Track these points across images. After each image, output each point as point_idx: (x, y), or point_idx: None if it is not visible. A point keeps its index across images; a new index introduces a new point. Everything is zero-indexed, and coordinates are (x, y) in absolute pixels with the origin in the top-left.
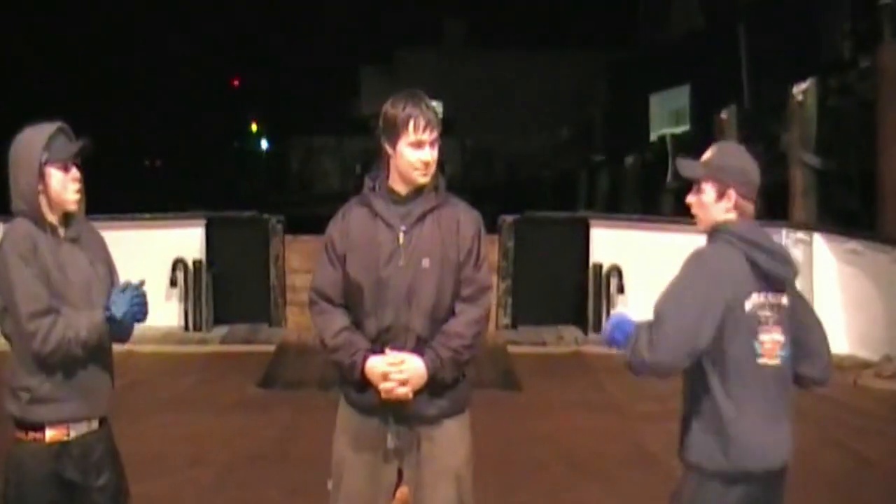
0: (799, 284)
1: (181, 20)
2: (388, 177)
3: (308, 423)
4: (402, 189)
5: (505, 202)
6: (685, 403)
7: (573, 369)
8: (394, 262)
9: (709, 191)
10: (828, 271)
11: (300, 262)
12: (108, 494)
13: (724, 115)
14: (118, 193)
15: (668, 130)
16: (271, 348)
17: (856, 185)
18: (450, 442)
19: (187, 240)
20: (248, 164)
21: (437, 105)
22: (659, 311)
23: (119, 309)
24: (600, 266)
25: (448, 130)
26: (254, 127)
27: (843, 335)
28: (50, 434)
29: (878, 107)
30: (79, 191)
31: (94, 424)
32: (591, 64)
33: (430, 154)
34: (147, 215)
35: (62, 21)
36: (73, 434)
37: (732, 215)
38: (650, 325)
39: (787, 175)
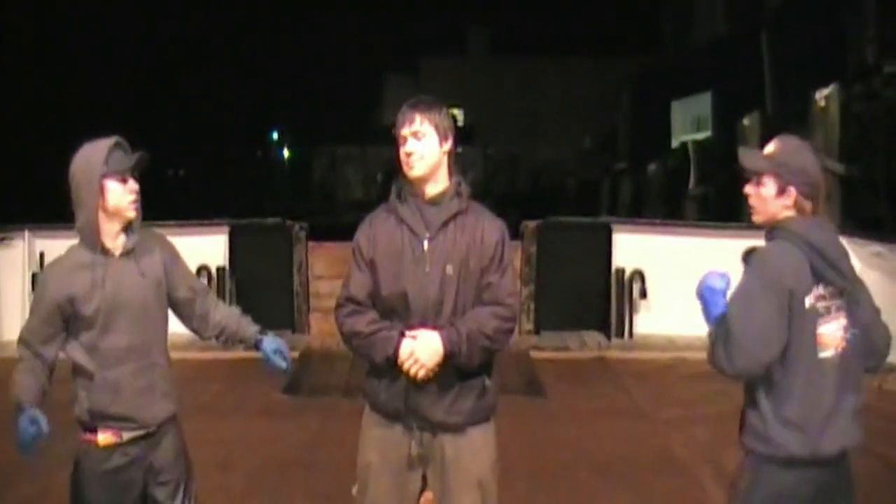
0: None
1: (203, 29)
2: (408, 182)
3: (334, 429)
4: (418, 191)
5: (528, 210)
6: (745, 390)
7: (597, 375)
8: (420, 269)
9: (770, 185)
10: None
11: (324, 269)
12: (167, 492)
13: (746, 121)
14: (141, 202)
15: (690, 137)
16: (295, 355)
17: (880, 189)
18: (474, 450)
19: (211, 247)
20: (271, 172)
21: (457, 113)
22: (730, 318)
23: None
24: (623, 271)
25: (471, 138)
26: (276, 135)
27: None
28: (102, 437)
29: None
30: (136, 202)
31: (149, 430)
32: (613, 71)
33: (412, 146)
34: (171, 222)
35: (76, 32)
36: (125, 437)
37: (791, 212)
38: (726, 332)
39: None
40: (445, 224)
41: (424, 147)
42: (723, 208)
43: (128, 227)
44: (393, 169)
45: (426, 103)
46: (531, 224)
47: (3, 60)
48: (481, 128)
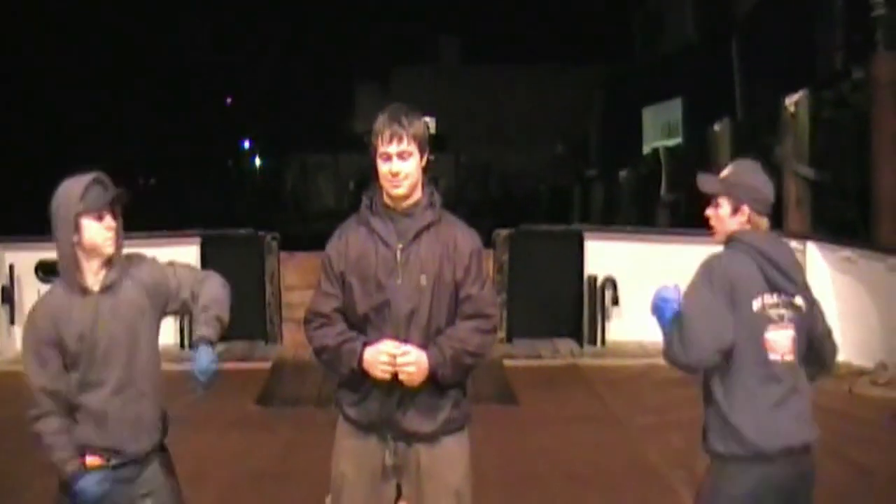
0: None
1: (173, 39)
2: (381, 194)
3: (307, 440)
4: (391, 203)
5: (500, 217)
6: (704, 396)
7: (570, 382)
8: (392, 280)
9: (724, 205)
10: (822, 280)
11: (296, 279)
12: None
13: (717, 127)
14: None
15: (661, 143)
16: (268, 365)
17: (850, 195)
18: (449, 459)
19: (182, 258)
20: (242, 182)
21: (429, 120)
22: (682, 313)
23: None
24: (595, 278)
25: (442, 146)
26: (247, 145)
27: (837, 343)
28: (91, 460)
29: (872, 117)
30: (113, 238)
31: (136, 459)
32: (584, 78)
33: (398, 166)
34: (142, 233)
35: (55, 37)
36: (113, 461)
37: (747, 229)
38: (679, 327)
39: (781, 186)
40: (418, 235)
41: (410, 167)
42: (694, 214)
43: (108, 262)
44: (365, 178)
45: (410, 119)
46: (503, 232)
47: None
48: (453, 136)
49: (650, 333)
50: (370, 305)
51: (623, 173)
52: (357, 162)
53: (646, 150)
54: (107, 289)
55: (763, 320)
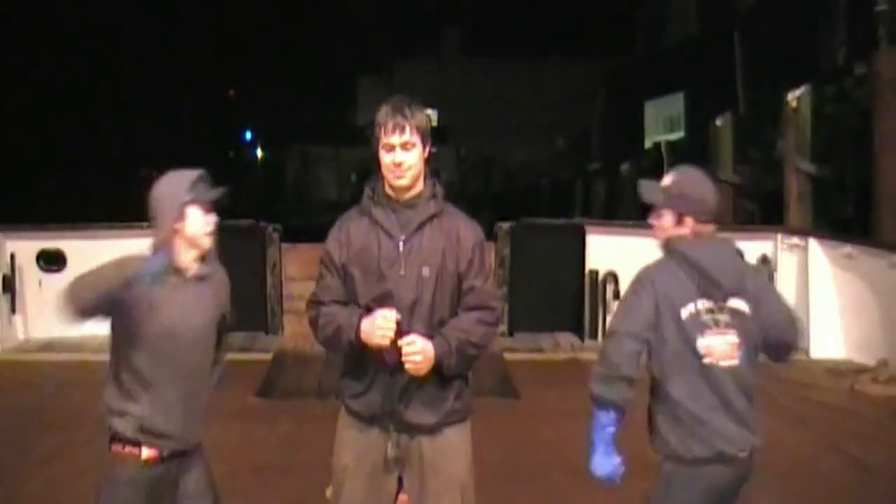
0: (794, 289)
1: (177, 30)
2: (382, 185)
3: (308, 432)
4: (394, 194)
5: (502, 210)
6: (649, 401)
7: (570, 376)
8: (395, 272)
9: (667, 217)
10: (823, 276)
11: (297, 271)
12: None
13: (719, 121)
14: (114, 203)
15: (663, 137)
16: (268, 357)
17: (851, 191)
18: (452, 451)
19: None
20: (244, 173)
21: (431, 113)
22: (609, 330)
23: None
24: (596, 272)
25: (444, 139)
26: (249, 136)
27: (839, 340)
28: (147, 453)
29: (874, 113)
30: (211, 234)
31: (186, 449)
32: (587, 72)
33: (401, 156)
34: (143, 224)
35: (57, 29)
36: (165, 453)
37: (683, 237)
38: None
39: (783, 181)
40: (421, 226)
41: (413, 158)
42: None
43: (202, 258)
44: (367, 170)
45: (413, 110)
46: (505, 225)
47: None
48: (455, 129)
49: None
50: (372, 296)
51: (625, 167)
52: (359, 154)
53: (648, 144)
54: (200, 279)
55: (696, 327)
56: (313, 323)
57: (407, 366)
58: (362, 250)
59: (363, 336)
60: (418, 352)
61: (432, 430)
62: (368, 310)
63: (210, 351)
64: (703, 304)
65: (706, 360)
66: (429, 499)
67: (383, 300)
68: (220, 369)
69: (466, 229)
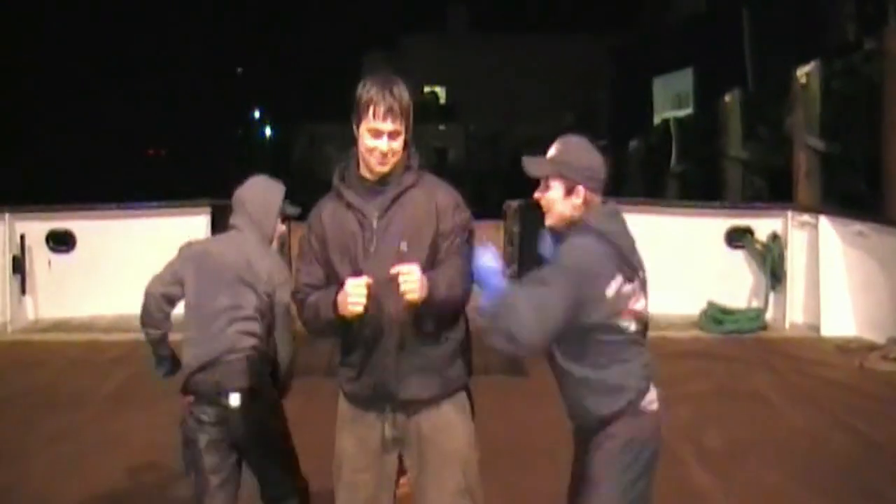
0: (804, 267)
1: (184, 8)
2: (357, 163)
3: (317, 410)
4: (369, 175)
5: (509, 187)
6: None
7: None
8: (372, 249)
9: (557, 187)
10: (833, 254)
11: None
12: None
13: (727, 98)
14: (122, 183)
15: (671, 114)
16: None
17: (861, 167)
18: (450, 426)
19: (192, 228)
20: (251, 151)
21: (438, 90)
22: (521, 299)
23: None
24: None
25: (452, 116)
26: (257, 115)
27: (849, 318)
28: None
29: (884, 89)
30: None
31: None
32: (594, 48)
33: (388, 144)
34: (152, 204)
35: (57, 11)
36: (233, 404)
37: (580, 211)
38: (511, 312)
39: (792, 158)
40: (395, 200)
41: (399, 144)
42: (704, 185)
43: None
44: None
45: (402, 92)
46: (514, 204)
47: None
48: (462, 106)
49: (659, 305)
50: (351, 276)
51: (633, 144)
52: None
53: (656, 120)
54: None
55: (619, 304)
56: (298, 312)
57: (403, 286)
58: (338, 234)
59: (339, 309)
60: (409, 271)
61: (428, 405)
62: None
63: None
64: (622, 278)
65: (633, 329)
66: (428, 476)
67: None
68: None
69: (444, 195)
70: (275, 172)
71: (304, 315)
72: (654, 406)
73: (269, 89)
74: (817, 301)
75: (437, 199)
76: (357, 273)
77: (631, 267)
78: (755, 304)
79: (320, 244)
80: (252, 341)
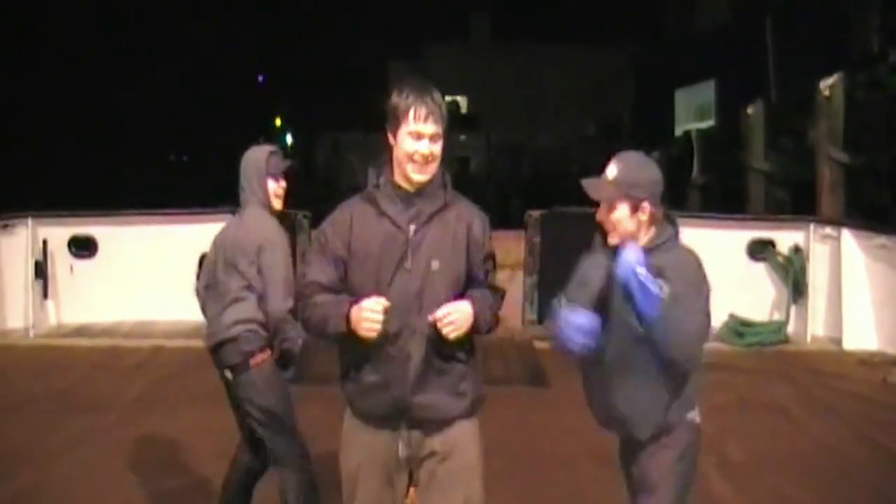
0: (827, 280)
1: (207, 15)
2: (392, 172)
3: (336, 418)
4: (405, 184)
5: (531, 197)
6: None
7: None
8: (402, 265)
9: (622, 208)
10: (856, 267)
11: None
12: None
13: (750, 109)
14: (144, 189)
15: (693, 125)
16: (298, 342)
17: (885, 180)
18: (463, 443)
19: (214, 234)
20: None
21: (460, 100)
22: (673, 319)
23: None
24: None
25: (474, 125)
26: (279, 122)
27: (871, 331)
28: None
29: None
30: (280, 195)
31: None
32: (617, 58)
33: (429, 147)
34: (173, 210)
35: (82, 16)
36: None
37: (646, 226)
38: (681, 334)
39: (815, 170)
40: (431, 217)
41: (439, 149)
42: (726, 197)
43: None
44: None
45: (441, 101)
46: (535, 213)
47: (5, 52)
48: (484, 115)
49: None
50: (377, 288)
51: (654, 155)
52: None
53: (678, 132)
54: None
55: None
56: (301, 307)
57: (446, 329)
58: (368, 241)
59: (353, 324)
60: (453, 311)
61: (444, 424)
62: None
63: None
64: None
65: None
66: (436, 493)
67: (389, 294)
68: None
69: (478, 220)
70: (297, 179)
71: (306, 312)
72: (699, 419)
73: (292, 96)
74: (839, 314)
75: (471, 224)
76: (382, 284)
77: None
78: (777, 316)
79: (343, 245)
80: (239, 326)
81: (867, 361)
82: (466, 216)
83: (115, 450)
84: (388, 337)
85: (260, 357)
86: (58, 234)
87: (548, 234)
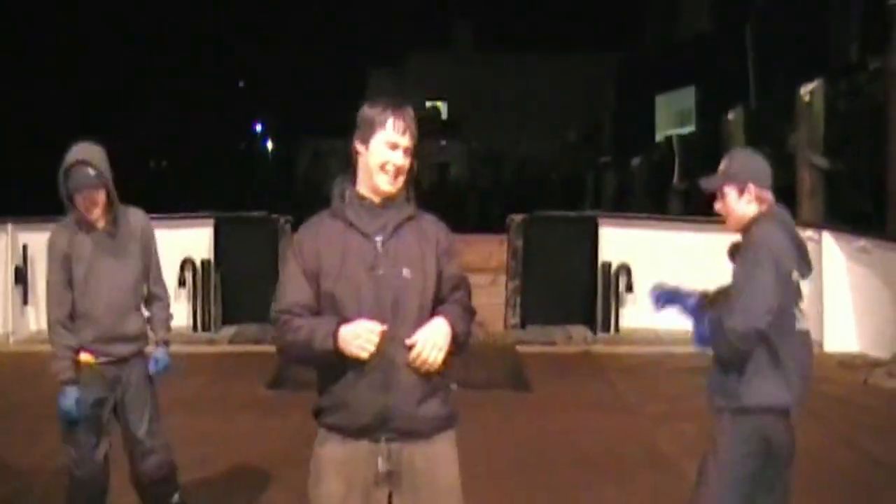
0: (808, 282)
1: (187, 21)
2: (355, 182)
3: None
4: (371, 195)
5: (512, 203)
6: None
7: (583, 369)
8: (374, 273)
9: (730, 192)
10: (837, 270)
11: None
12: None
13: (730, 115)
14: (124, 195)
15: (674, 131)
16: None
17: (864, 186)
18: (444, 458)
19: (196, 240)
20: (254, 165)
21: (442, 106)
22: (742, 288)
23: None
24: (609, 265)
25: (455, 132)
26: (260, 128)
27: (853, 334)
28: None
29: (887, 108)
30: (89, 208)
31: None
32: (598, 65)
33: (403, 159)
34: (155, 216)
35: (61, 22)
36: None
37: (755, 206)
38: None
39: (795, 176)
40: (398, 227)
41: (408, 164)
42: (706, 202)
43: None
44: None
45: (411, 112)
46: (517, 218)
47: None
48: (465, 122)
49: (664, 321)
50: (352, 301)
51: (636, 161)
52: None
53: (658, 137)
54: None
55: (796, 291)
56: (279, 330)
57: (430, 357)
58: (338, 254)
59: (341, 342)
60: (430, 335)
61: (425, 436)
62: (346, 317)
63: None
64: (796, 273)
65: (800, 325)
66: None
67: (364, 305)
68: None
69: (444, 232)
70: (277, 186)
71: (286, 336)
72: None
73: (272, 103)
74: (820, 317)
75: (437, 237)
76: (356, 293)
77: (806, 264)
78: None
79: (314, 265)
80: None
81: (848, 364)
82: (431, 230)
83: None
84: (373, 354)
85: None
86: (38, 239)
87: (530, 238)
